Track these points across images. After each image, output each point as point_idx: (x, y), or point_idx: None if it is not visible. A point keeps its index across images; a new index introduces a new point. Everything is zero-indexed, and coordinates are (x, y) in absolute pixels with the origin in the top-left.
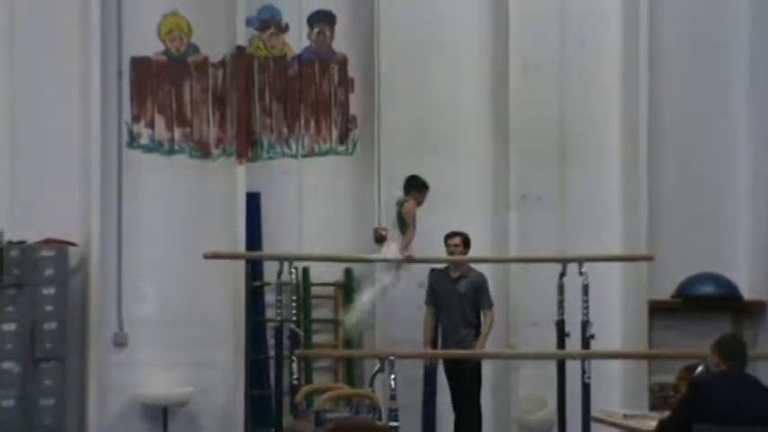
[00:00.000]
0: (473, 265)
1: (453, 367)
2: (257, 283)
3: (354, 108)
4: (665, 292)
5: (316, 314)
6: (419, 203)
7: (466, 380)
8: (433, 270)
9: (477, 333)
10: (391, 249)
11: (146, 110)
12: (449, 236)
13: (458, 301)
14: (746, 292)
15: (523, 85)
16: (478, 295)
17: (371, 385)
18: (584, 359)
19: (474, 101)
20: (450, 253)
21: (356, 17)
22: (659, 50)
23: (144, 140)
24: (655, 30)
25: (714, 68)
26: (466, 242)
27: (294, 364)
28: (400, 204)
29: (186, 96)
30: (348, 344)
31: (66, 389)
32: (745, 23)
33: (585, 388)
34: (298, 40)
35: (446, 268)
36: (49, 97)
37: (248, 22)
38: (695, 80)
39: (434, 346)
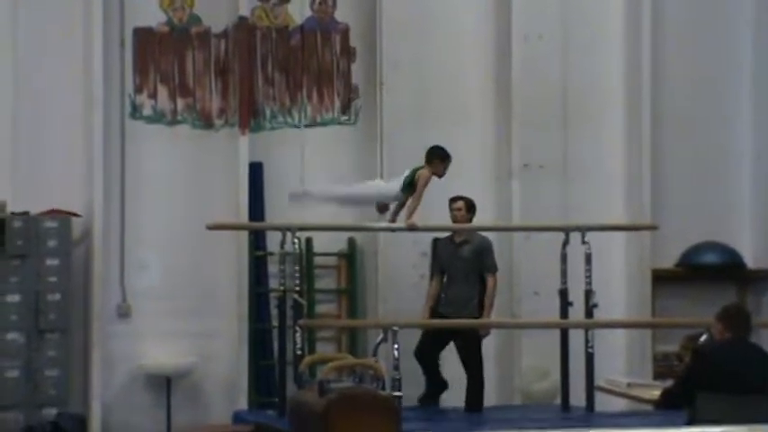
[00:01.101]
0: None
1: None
2: (260, 253)
3: (357, 78)
4: (669, 260)
5: (319, 284)
6: (439, 175)
7: (466, 347)
8: (435, 239)
9: (481, 299)
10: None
11: (148, 80)
12: (452, 200)
13: (462, 265)
14: (750, 261)
15: (526, 54)
16: (482, 259)
17: (375, 355)
18: (587, 328)
19: (476, 70)
20: (454, 217)
21: None
22: (662, 18)
23: (146, 111)
24: None
25: (718, 36)
26: (469, 206)
27: (297, 335)
28: (415, 170)
29: (189, 67)
30: (352, 313)
31: (70, 360)
32: None
33: (589, 357)
34: (300, 10)
35: (450, 234)
36: (52, 68)
37: None
38: (699, 48)
39: (432, 317)
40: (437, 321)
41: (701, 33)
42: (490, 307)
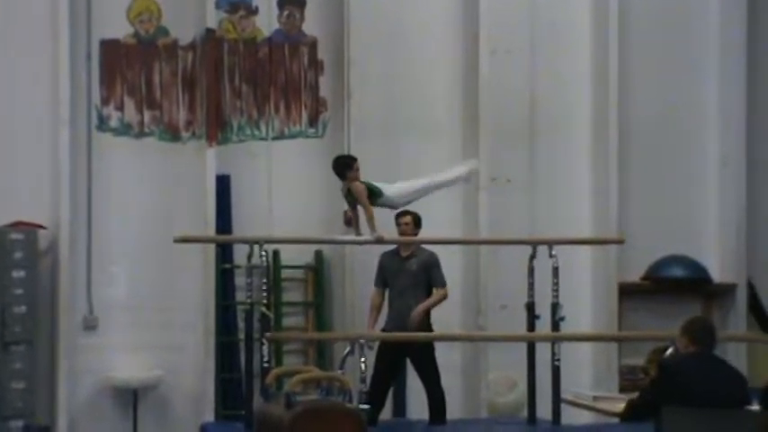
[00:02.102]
0: (426, 246)
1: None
2: (227, 266)
3: (324, 91)
4: (635, 274)
5: (286, 297)
6: (359, 179)
7: (420, 359)
8: (383, 252)
9: (428, 314)
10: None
11: (115, 93)
12: (400, 215)
13: (408, 279)
14: (716, 275)
15: (493, 69)
16: (430, 274)
17: (342, 368)
18: (553, 341)
19: (444, 84)
20: (402, 232)
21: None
22: (629, 32)
23: (113, 123)
24: (624, 12)
25: (685, 50)
26: (417, 221)
27: (264, 347)
28: (347, 190)
29: (156, 79)
30: (319, 326)
31: (36, 372)
32: (714, 5)
33: (555, 370)
34: (268, 22)
35: (396, 248)
36: (18, 80)
37: (218, 5)
38: (666, 64)
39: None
40: (402, 334)
41: (668, 47)
42: (425, 308)
